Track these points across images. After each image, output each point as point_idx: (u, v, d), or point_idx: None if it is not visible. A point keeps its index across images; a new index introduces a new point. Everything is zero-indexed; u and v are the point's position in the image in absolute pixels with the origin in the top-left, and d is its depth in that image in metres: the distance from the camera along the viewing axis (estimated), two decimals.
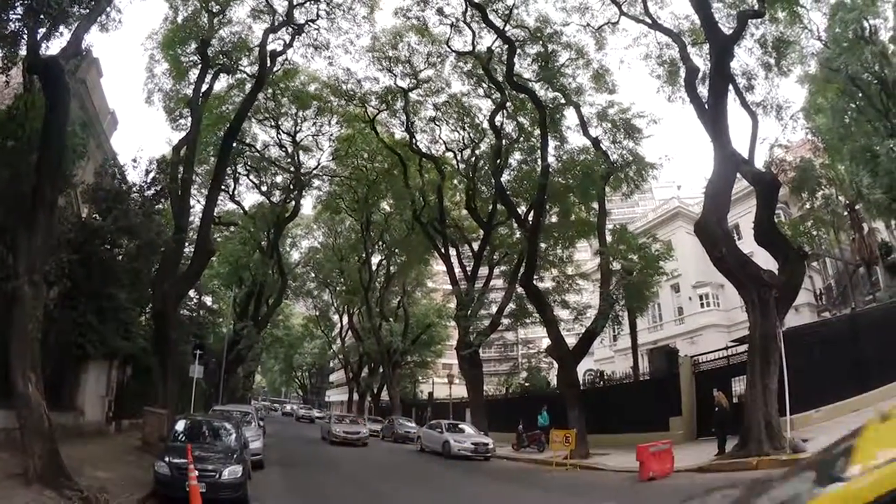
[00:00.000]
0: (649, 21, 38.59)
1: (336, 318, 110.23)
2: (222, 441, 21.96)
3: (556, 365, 47.82)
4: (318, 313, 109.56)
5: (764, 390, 26.38)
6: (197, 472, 16.65)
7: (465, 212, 59.57)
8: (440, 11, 44.34)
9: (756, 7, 34.37)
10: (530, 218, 46.80)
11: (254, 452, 27.01)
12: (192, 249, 39.19)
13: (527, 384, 67.42)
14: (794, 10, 41.50)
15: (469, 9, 42.75)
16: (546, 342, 48.66)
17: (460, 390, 66.37)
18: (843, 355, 33.63)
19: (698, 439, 35.67)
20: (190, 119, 40.43)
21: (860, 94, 50.43)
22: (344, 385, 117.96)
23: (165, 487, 17.92)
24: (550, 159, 46.33)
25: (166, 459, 18.15)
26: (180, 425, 22.70)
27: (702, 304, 68.75)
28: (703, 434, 35.31)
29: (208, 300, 69.19)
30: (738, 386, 33.26)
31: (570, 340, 45.35)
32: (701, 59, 37.87)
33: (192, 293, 52.08)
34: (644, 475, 25.28)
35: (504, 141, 49.37)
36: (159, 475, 18.04)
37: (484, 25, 42.68)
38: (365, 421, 62.37)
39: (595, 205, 48.49)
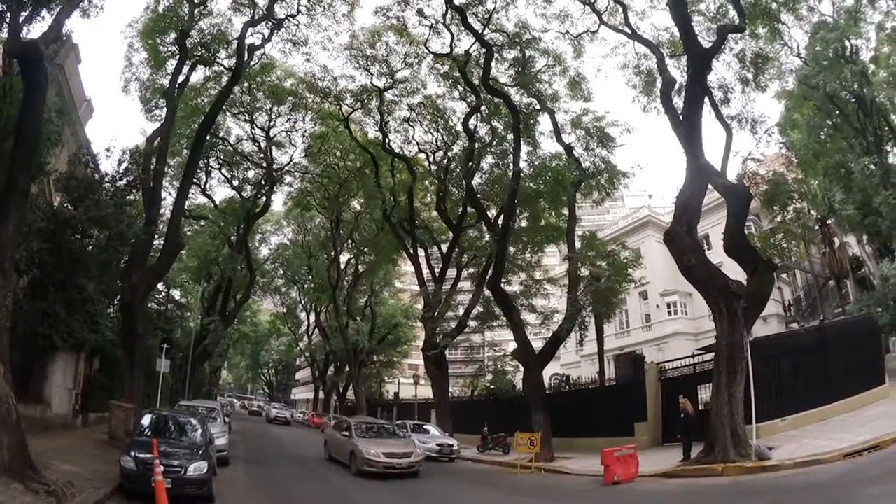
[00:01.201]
0: (629, 31, 38.91)
1: (303, 315, 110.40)
2: (188, 437, 21.90)
3: (521, 368, 47.86)
4: (285, 310, 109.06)
5: (730, 399, 26.78)
6: (162, 468, 16.65)
7: (435, 213, 59.44)
8: (420, 12, 44.24)
9: (737, 22, 34.60)
10: (500, 221, 47.08)
11: (219, 449, 26.94)
12: (162, 242, 38.93)
13: (492, 386, 67.54)
14: (774, 27, 42.00)
15: (449, 11, 42.71)
16: (512, 345, 48.77)
17: (426, 391, 66.47)
18: (811, 366, 34.22)
19: (664, 445, 36.05)
20: (165, 110, 40.25)
21: (837, 112, 51.21)
22: (310, 383, 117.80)
23: (131, 482, 17.83)
24: (522, 164, 46.36)
25: (132, 454, 18.06)
26: (146, 420, 22.51)
27: (669, 312, 69.23)
28: (668, 440, 35.69)
29: (176, 294, 68.95)
30: (704, 393, 33.69)
31: (537, 344, 45.46)
32: (678, 71, 38.34)
33: (160, 286, 51.75)
34: (608, 479, 25.54)
35: (477, 144, 49.30)
36: (125, 470, 17.92)
37: (463, 28, 42.58)
38: (408, 432, 43.35)
39: (565, 210, 48.90)
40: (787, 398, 32.43)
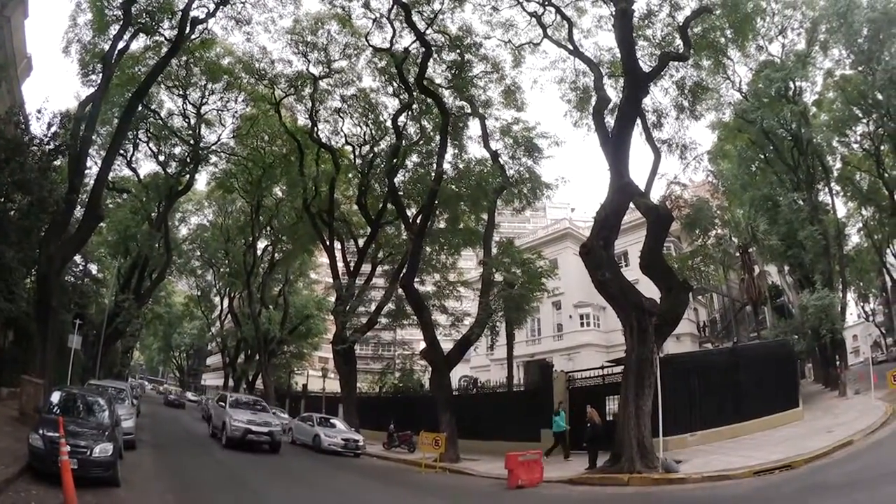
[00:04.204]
0: (571, 47, 38.92)
1: (217, 300, 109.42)
2: (95, 417, 21.40)
3: (430, 368, 47.98)
4: (199, 293, 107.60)
5: (637, 411, 27.29)
6: (69, 448, 16.18)
7: (355, 207, 59.47)
8: (366, 4, 44.07)
9: (681, 51, 35.01)
10: (419, 220, 47.15)
11: (126, 432, 26.48)
12: (82, 212, 38.05)
13: (400, 384, 67.67)
14: (719, 60, 42.76)
15: (395, 6, 42.47)
16: (422, 345, 48.74)
17: (334, 385, 66.23)
18: (723, 385, 35.45)
19: (570, 452, 36.06)
20: (101, 75, 39.18)
21: (771, 147, 52.37)
22: (220, 369, 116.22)
23: (39, 461, 17.36)
24: (447, 166, 46.96)
25: (40, 432, 17.59)
26: (55, 397, 21.89)
27: (582, 324, 70.22)
28: (575, 448, 35.59)
29: (93, 268, 67.59)
30: (613, 404, 34.34)
31: (447, 346, 45.57)
32: (615, 91, 38.65)
33: (77, 259, 50.69)
34: (512, 483, 25.68)
35: (404, 142, 49.39)
36: (33, 448, 17.47)
37: (406, 25, 42.42)
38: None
39: (485, 215, 49.30)
40: (698, 414, 33.50)
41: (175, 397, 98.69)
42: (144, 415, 46.59)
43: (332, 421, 45.87)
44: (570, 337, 71.37)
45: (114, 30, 40.41)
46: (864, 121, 58.13)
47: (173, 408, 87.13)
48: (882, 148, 59.78)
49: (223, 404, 41.04)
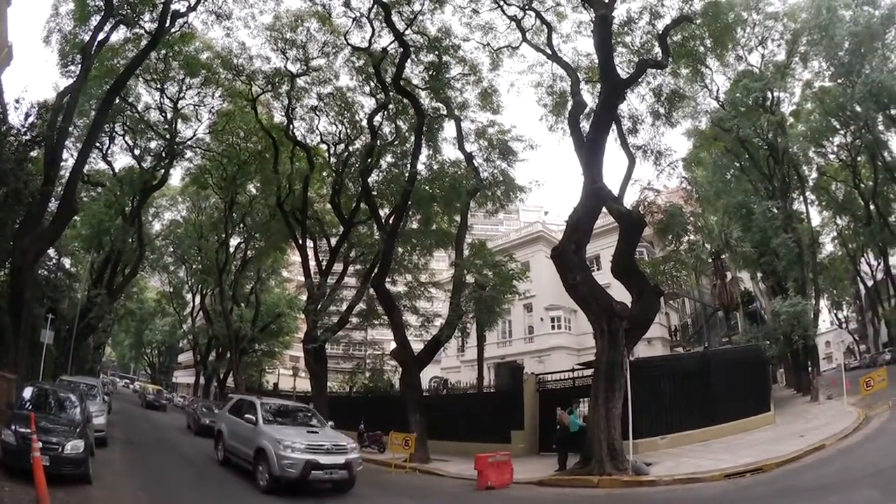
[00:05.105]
0: (549, 52, 39.12)
1: (189, 297, 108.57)
2: (67, 413, 21.34)
3: (400, 368, 47.94)
4: (171, 290, 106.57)
5: (607, 414, 27.57)
6: (41, 444, 16.08)
7: (328, 205, 59.07)
8: (346, 3, 43.83)
9: (660, 58, 35.23)
10: (392, 221, 47.03)
11: (97, 428, 26.55)
12: (57, 205, 37.71)
13: (370, 384, 67.57)
14: (697, 69, 42.97)
15: (375, 6, 42.20)
16: (393, 345, 48.66)
17: (305, 384, 66.08)
18: (694, 389, 35.79)
19: (540, 454, 36.69)
20: (80, 66, 39.05)
21: (747, 156, 52.83)
22: (192, 367, 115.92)
23: (11, 457, 17.26)
24: (421, 167, 47.05)
25: (13, 428, 17.59)
26: (28, 392, 21.92)
27: (553, 326, 70.39)
28: (545, 449, 36.21)
29: (67, 262, 67.13)
30: (583, 407, 34.08)
31: (418, 346, 45.61)
32: (591, 96, 38.90)
33: (51, 252, 50.16)
34: (482, 484, 25.83)
35: (379, 142, 49.13)
36: (5, 444, 17.41)
37: (385, 25, 42.18)
38: None
39: (458, 217, 49.57)
40: (668, 417, 33.77)
41: (154, 397, 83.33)
42: (116, 411, 46.18)
43: None
44: (541, 339, 71.71)
45: (95, 20, 40.13)
46: (842, 132, 58.99)
47: (153, 410, 76.02)
48: (859, 159, 60.55)
49: (252, 418, 25.16)
